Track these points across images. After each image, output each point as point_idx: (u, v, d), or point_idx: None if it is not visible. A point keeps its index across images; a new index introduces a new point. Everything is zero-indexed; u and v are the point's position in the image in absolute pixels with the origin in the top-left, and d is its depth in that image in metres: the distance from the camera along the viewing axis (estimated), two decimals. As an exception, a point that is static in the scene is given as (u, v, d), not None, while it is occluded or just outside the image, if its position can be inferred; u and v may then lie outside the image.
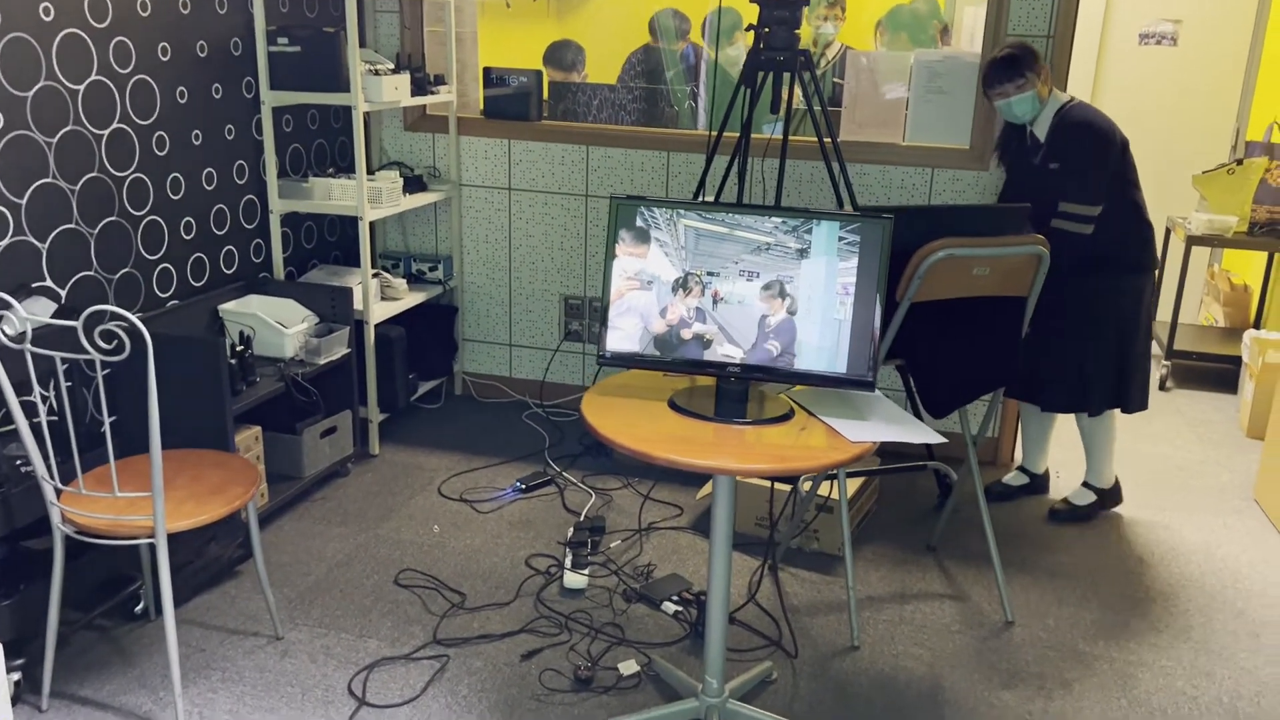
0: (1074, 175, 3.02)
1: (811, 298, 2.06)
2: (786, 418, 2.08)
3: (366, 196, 3.51)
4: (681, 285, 2.10)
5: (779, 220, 2.07)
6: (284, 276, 3.74)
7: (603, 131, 3.99)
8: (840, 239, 2.05)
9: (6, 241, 2.63)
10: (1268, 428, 3.57)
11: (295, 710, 2.37)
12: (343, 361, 3.45)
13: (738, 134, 3.43)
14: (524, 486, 3.49)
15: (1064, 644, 2.73)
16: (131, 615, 2.71)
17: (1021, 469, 3.57)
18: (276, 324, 3.31)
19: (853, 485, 3.23)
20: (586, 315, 4.14)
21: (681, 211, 2.09)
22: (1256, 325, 5.08)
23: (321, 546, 3.09)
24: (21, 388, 2.64)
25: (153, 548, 2.53)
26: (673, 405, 2.11)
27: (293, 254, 3.81)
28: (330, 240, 4.04)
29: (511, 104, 4.06)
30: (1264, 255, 5.07)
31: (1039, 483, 3.56)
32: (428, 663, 2.56)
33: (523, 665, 2.57)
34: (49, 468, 2.26)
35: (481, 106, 4.21)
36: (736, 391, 2.13)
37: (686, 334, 2.10)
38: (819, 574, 3.04)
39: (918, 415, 3.58)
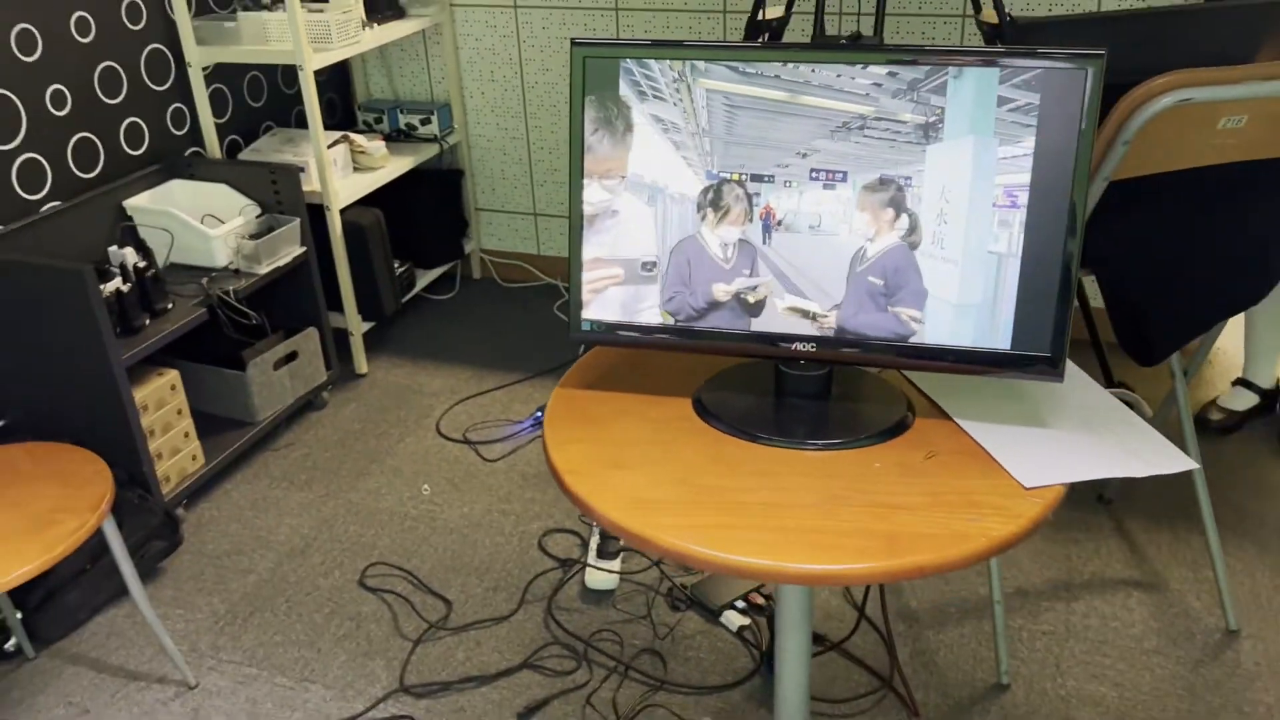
0: None
1: (946, 214, 1.12)
2: (898, 429, 1.17)
3: (305, 34, 2.57)
4: (710, 202, 1.17)
5: (885, 70, 1.10)
6: (223, 152, 2.87)
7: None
8: (1001, 102, 1.07)
9: None
10: None
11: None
12: (298, 265, 2.61)
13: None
14: (545, 418, 2.65)
15: (1321, 671, 1.84)
16: (1, 653, 2.02)
17: (1243, 383, 2.52)
18: (198, 223, 2.47)
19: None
20: (627, 172, 3.17)
21: (700, 66, 1.13)
22: None
23: (273, 525, 2.35)
24: None
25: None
26: (700, 408, 1.22)
27: (233, 119, 2.92)
28: (289, 94, 3.13)
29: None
30: None
31: (1269, 400, 2.53)
32: (388, 727, 1.83)
33: (519, 731, 1.81)
34: None
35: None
36: (810, 383, 1.22)
37: (722, 292, 1.19)
38: (945, 550, 2.17)
39: (1103, 366, 2.55)
